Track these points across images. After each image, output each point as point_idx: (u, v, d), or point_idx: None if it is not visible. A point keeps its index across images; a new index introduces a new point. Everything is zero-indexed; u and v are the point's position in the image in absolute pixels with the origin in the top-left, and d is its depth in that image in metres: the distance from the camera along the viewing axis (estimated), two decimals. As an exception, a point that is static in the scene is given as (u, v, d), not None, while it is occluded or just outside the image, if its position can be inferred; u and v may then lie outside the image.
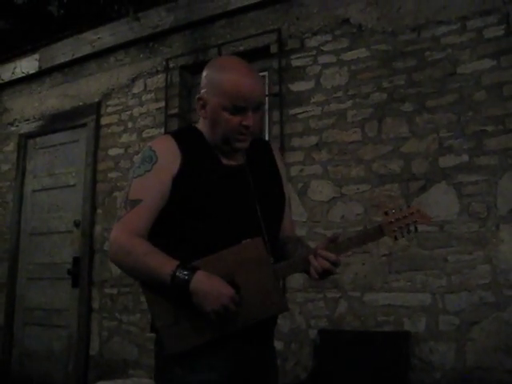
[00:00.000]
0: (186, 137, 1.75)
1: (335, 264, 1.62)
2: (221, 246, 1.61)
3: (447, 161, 3.16)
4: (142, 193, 1.65)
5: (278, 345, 3.52)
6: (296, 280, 3.51)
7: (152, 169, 1.66)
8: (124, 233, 1.63)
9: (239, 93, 1.63)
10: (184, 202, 1.65)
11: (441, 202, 3.15)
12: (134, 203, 1.65)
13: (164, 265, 1.56)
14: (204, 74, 1.74)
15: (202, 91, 1.71)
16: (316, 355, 3.32)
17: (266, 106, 3.97)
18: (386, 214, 1.68)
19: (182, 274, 1.54)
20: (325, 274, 1.63)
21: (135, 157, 1.68)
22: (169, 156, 1.67)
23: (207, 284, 1.53)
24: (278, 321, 3.44)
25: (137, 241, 1.61)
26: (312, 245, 1.84)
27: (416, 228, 1.68)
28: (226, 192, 1.70)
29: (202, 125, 1.77)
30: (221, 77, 1.66)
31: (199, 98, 1.72)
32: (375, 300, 3.27)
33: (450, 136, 3.17)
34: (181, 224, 1.66)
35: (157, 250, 1.60)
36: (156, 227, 1.67)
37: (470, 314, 2.99)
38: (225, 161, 1.75)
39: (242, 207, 1.71)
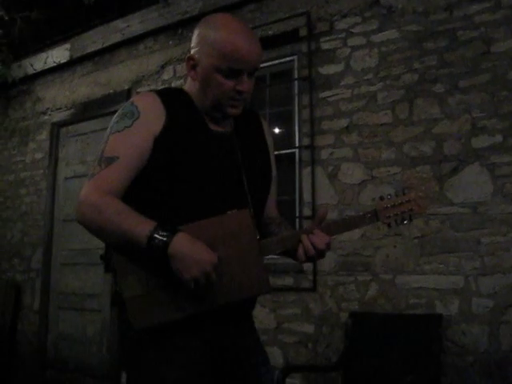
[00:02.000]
0: (172, 97, 1.58)
1: (327, 246, 1.51)
2: (202, 215, 1.46)
3: (480, 141, 3.11)
4: (119, 150, 1.47)
5: (309, 328, 3.54)
6: (327, 263, 3.51)
7: (132, 125, 1.49)
8: (96, 191, 1.44)
9: (236, 54, 1.47)
10: (165, 164, 1.49)
11: (474, 183, 3.10)
12: (110, 160, 1.47)
13: (140, 225, 1.38)
14: (196, 31, 1.57)
15: (193, 50, 1.55)
16: (347, 338, 3.32)
17: (296, 90, 3.96)
18: (382, 199, 1.60)
19: (161, 235, 1.36)
20: (314, 256, 1.52)
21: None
22: (152, 113, 1.51)
23: (188, 247, 1.36)
24: (310, 305, 3.51)
25: (109, 199, 1.43)
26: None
27: (411, 218, 1.60)
28: (211, 158, 1.55)
29: (190, 87, 1.61)
30: (216, 36, 1.49)
31: (189, 58, 1.56)
32: (407, 282, 3.25)
33: (483, 116, 3.12)
34: (160, 188, 1.50)
35: (132, 210, 1.42)
36: (132, 190, 1.50)
37: (504, 297, 2.95)
38: (212, 126, 1.60)
39: (228, 176, 1.57)
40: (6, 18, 4.54)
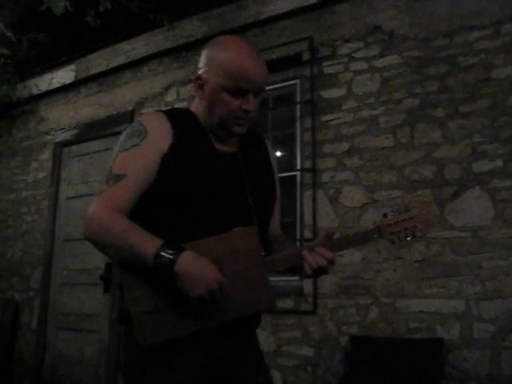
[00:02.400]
0: (178, 116, 1.62)
1: (331, 262, 1.53)
2: (208, 233, 1.48)
3: (481, 166, 3.13)
4: (127, 168, 1.50)
5: (309, 351, 3.52)
6: (327, 286, 3.50)
7: (140, 144, 1.52)
8: (104, 208, 1.47)
9: (244, 74, 1.51)
10: (171, 183, 1.51)
11: (474, 207, 3.11)
12: (118, 178, 1.49)
13: (147, 243, 1.41)
14: (204, 52, 1.62)
15: (201, 70, 1.59)
16: (347, 362, 3.30)
17: (298, 114, 4.00)
18: (385, 216, 1.61)
19: (167, 253, 1.38)
20: (319, 272, 1.53)
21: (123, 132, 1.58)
22: (159, 132, 1.54)
23: (194, 266, 1.39)
24: (310, 328, 3.49)
25: (117, 216, 1.46)
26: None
27: (414, 234, 1.61)
28: (216, 177, 1.57)
29: (196, 107, 1.65)
30: (225, 56, 1.54)
31: (197, 78, 1.59)
32: (407, 306, 3.24)
33: (483, 141, 3.15)
34: (166, 206, 1.52)
35: (139, 227, 1.45)
36: (139, 208, 1.52)
37: (505, 322, 2.94)
38: (218, 146, 1.63)
39: (233, 194, 1.58)
40: (14, 40, 4.60)
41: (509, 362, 2.90)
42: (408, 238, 1.62)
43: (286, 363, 3.60)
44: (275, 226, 1.80)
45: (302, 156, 3.90)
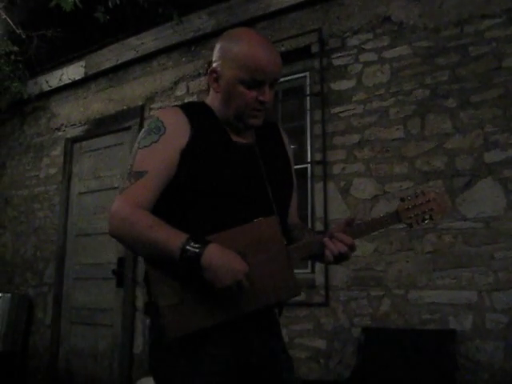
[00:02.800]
0: (195, 110, 1.64)
1: (351, 248, 1.56)
2: (230, 224, 1.50)
3: (493, 156, 3.11)
4: (148, 164, 1.53)
5: (321, 343, 3.53)
6: (339, 278, 3.50)
7: (159, 140, 1.55)
8: (127, 204, 1.50)
9: (259, 66, 1.53)
10: (192, 177, 1.54)
11: (487, 197, 3.10)
12: (139, 175, 1.53)
13: (172, 237, 1.44)
14: (218, 46, 1.64)
15: (216, 63, 1.61)
16: (359, 354, 3.30)
17: (308, 106, 3.99)
18: (402, 200, 1.64)
19: (193, 247, 1.41)
20: (340, 258, 1.56)
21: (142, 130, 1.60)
22: (178, 128, 1.57)
23: (220, 258, 1.41)
24: (322, 320, 3.49)
25: (141, 212, 1.49)
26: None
27: (431, 217, 1.63)
28: (236, 169, 1.60)
29: (211, 100, 1.67)
30: (239, 49, 1.56)
31: (212, 71, 1.61)
32: (420, 298, 3.23)
33: (495, 131, 3.12)
34: (188, 201, 1.55)
35: (163, 223, 1.48)
36: (160, 203, 1.56)
37: (518, 312, 2.93)
38: (235, 138, 1.65)
39: (253, 185, 1.61)
40: (24, 37, 4.62)
41: (522, 352, 2.89)
42: (426, 222, 1.64)
43: (298, 355, 3.60)
44: (293, 213, 1.84)
45: (312, 148, 3.90)
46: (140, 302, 4.55)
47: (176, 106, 1.67)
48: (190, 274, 1.44)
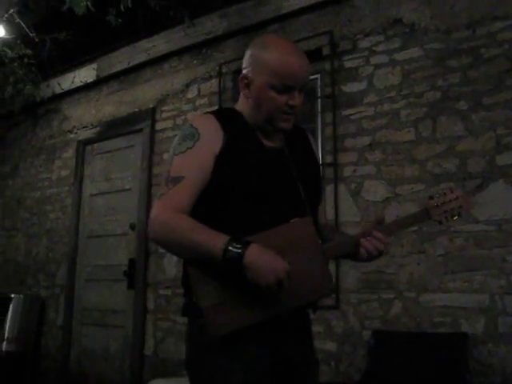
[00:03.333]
0: (227, 116, 1.71)
1: (386, 245, 1.64)
2: (266, 226, 1.56)
3: (505, 158, 3.09)
4: (184, 170, 1.60)
5: (332, 346, 3.52)
6: (350, 281, 3.49)
7: (194, 146, 1.61)
8: (166, 209, 1.56)
9: (289, 71, 1.60)
10: (227, 181, 1.60)
11: (499, 200, 3.08)
12: (176, 180, 1.59)
13: (214, 239, 1.49)
14: (248, 52, 1.71)
15: (246, 70, 1.68)
16: (370, 357, 3.29)
17: (319, 108, 3.99)
18: (431, 197, 1.71)
19: (235, 247, 1.46)
20: (374, 255, 1.63)
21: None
22: (211, 134, 1.63)
23: (262, 257, 1.46)
24: (332, 323, 3.49)
25: (180, 216, 1.55)
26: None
27: (459, 213, 1.71)
28: (269, 172, 1.66)
29: (241, 106, 1.74)
30: (270, 56, 1.62)
31: (243, 77, 1.68)
32: (431, 301, 3.21)
33: (507, 133, 3.10)
34: (224, 204, 1.61)
35: (203, 225, 1.53)
36: (197, 208, 1.61)
37: (531, 316, 2.91)
38: (266, 142, 1.72)
39: (286, 188, 1.68)
40: (37, 40, 4.66)
41: (535, 356, 2.87)
42: (455, 218, 1.72)
43: (308, 358, 3.59)
44: (322, 214, 1.91)
45: (323, 150, 3.89)
46: (151, 304, 4.57)
47: (208, 112, 1.75)
48: (232, 274, 1.49)
